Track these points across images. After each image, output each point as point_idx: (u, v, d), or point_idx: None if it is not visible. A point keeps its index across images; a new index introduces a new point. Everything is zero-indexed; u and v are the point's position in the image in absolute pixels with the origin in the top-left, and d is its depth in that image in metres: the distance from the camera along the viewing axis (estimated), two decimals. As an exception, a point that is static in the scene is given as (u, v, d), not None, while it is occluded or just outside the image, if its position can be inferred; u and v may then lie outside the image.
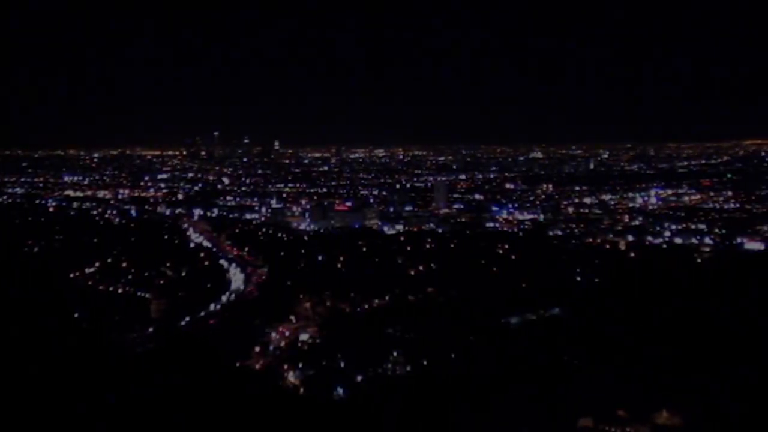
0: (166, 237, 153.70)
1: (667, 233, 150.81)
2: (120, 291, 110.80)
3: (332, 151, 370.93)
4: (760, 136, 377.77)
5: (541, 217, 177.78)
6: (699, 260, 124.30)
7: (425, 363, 74.54)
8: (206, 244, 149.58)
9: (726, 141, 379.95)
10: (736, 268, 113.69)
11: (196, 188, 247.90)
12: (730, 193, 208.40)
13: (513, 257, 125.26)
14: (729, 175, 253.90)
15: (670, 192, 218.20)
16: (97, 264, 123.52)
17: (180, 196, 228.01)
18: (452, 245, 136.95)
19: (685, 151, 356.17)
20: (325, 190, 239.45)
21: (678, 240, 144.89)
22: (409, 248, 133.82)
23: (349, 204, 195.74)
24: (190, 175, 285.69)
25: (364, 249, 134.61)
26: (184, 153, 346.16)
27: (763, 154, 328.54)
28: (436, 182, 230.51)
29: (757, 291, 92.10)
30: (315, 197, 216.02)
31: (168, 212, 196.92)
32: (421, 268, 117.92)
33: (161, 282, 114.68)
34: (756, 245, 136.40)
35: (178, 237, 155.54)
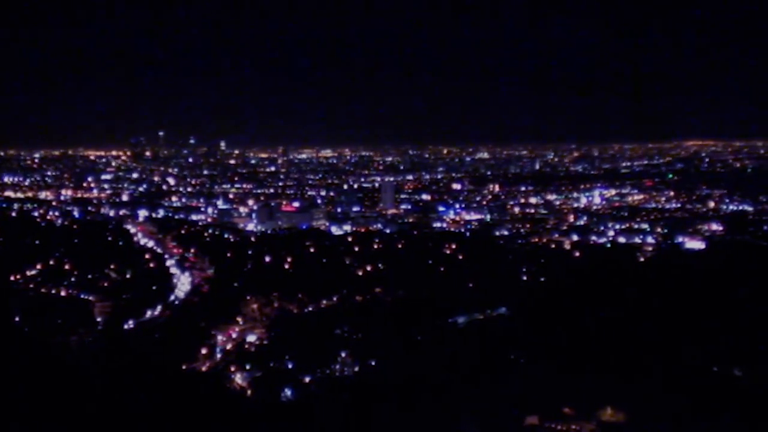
0: (110, 238, 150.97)
1: (611, 232, 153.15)
2: (63, 294, 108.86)
3: (279, 151, 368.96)
4: (700, 137, 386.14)
5: (488, 217, 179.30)
6: (641, 259, 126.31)
7: (373, 363, 74.69)
8: (151, 245, 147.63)
9: (668, 142, 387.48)
10: (676, 266, 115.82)
11: (140, 189, 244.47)
12: (671, 193, 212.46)
13: (460, 257, 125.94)
14: (671, 176, 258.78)
15: (613, 192, 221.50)
16: (38, 266, 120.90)
17: (124, 197, 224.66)
18: (400, 245, 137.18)
19: (628, 151, 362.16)
20: (272, 190, 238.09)
21: (621, 239, 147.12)
22: (356, 249, 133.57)
23: (296, 205, 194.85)
24: (135, 175, 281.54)
25: (312, 250, 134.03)
26: (129, 153, 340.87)
27: (703, 154, 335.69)
28: (383, 183, 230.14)
29: (697, 289, 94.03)
30: (262, 198, 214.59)
31: (112, 213, 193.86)
32: (369, 268, 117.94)
33: (105, 284, 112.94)
34: (696, 244, 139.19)
35: (123, 238, 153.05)
